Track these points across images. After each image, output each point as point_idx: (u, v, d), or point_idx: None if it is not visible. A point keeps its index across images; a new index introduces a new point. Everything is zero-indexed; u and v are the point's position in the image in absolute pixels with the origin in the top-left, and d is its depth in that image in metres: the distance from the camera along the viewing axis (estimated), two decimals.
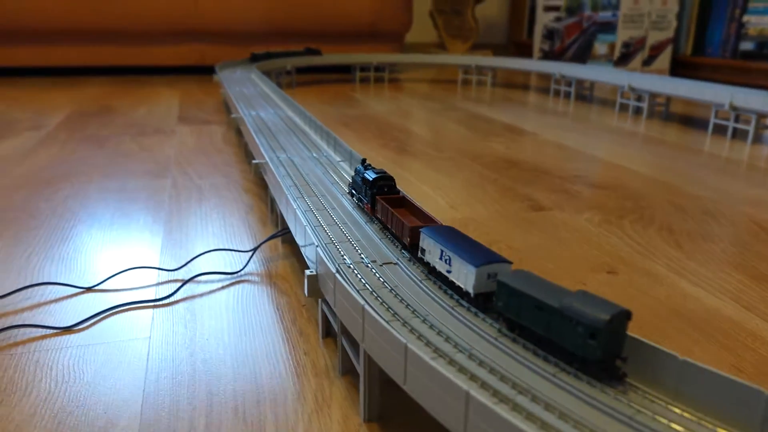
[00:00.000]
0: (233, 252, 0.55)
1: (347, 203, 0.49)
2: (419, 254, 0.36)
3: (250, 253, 0.54)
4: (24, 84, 1.68)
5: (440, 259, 0.35)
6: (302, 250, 0.43)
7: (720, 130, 1.16)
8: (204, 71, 2.02)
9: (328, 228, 0.42)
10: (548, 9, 2.36)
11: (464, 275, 0.32)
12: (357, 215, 0.47)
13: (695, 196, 0.75)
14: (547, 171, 0.86)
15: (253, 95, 1.05)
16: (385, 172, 0.46)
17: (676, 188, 0.79)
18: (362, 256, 0.37)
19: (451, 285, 0.33)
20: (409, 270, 0.36)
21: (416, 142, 1.02)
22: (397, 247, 0.40)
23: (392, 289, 0.33)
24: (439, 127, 1.15)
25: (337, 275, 0.32)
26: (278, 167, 0.58)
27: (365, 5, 1.93)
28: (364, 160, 0.50)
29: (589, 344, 0.27)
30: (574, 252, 0.57)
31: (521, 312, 0.30)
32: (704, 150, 1.02)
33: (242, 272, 0.51)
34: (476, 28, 2.76)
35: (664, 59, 2.12)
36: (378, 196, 0.44)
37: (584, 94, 1.62)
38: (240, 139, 1.00)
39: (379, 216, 0.44)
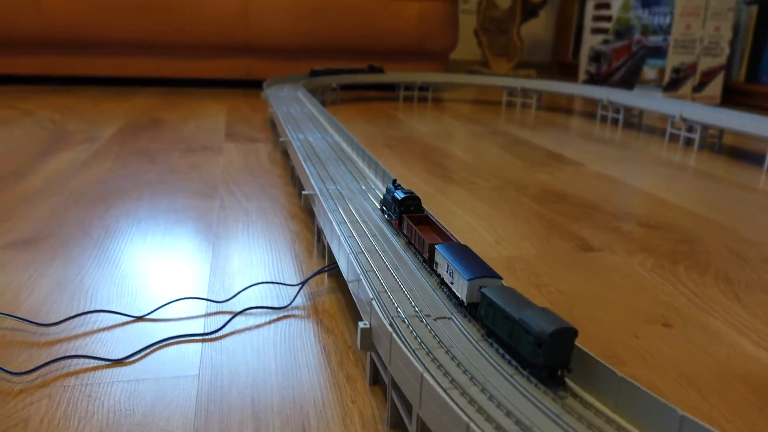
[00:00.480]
0: (280, 285, 0.55)
1: (397, 244, 0.49)
2: (433, 267, 0.42)
3: (298, 288, 0.54)
4: (79, 92, 1.73)
5: (447, 272, 0.40)
6: (354, 298, 0.43)
7: None
8: (250, 85, 2.05)
9: (380, 274, 0.42)
10: (596, 31, 2.33)
11: (461, 286, 0.38)
12: (407, 257, 0.46)
13: (754, 241, 0.73)
14: (596, 206, 0.84)
15: (300, 117, 1.05)
16: (412, 193, 0.50)
17: (733, 231, 0.76)
18: (416, 308, 0.37)
19: (454, 294, 0.39)
20: (463, 327, 0.35)
21: (461, 169, 1.01)
22: (443, 291, 0.39)
23: (448, 350, 0.33)
24: (483, 153, 1.14)
25: (393, 334, 0.31)
26: (328, 200, 0.58)
27: (412, 24, 1.93)
28: (395, 181, 0.55)
29: (536, 352, 0.31)
30: (627, 300, 0.56)
31: (495, 321, 0.34)
32: (759, 188, 0.98)
33: (289, 307, 0.51)
34: (521, 47, 2.74)
35: (716, 86, 2.07)
36: (404, 214, 0.49)
37: (632, 121, 1.59)
38: (286, 160, 1.00)
39: (404, 232, 0.49)
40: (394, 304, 0.37)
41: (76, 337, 0.45)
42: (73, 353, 0.43)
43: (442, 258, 0.40)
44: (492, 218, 0.77)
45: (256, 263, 0.59)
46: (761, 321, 0.53)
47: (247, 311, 0.50)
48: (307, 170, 0.64)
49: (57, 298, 0.51)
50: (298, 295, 0.53)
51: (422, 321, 0.35)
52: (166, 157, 1.01)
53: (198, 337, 0.46)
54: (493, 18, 2.77)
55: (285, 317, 0.50)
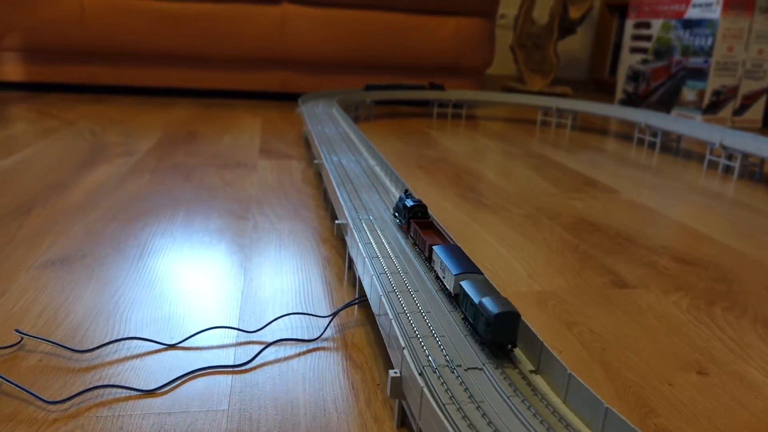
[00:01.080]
0: (311, 316, 0.55)
1: (428, 280, 0.49)
2: (430, 264, 0.51)
3: (328, 320, 0.54)
4: (119, 102, 1.78)
5: (440, 268, 0.48)
6: (384, 338, 0.43)
7: None
8: (285, 98, 2.07)
9: (412, 316, 0.42)
10: (635, 50, 2.30)
11: (449, 280, 0.45)
12: (438, 297, 0.46)
13: None
14: (630, 238, 0.82)
15: (334, 136, 1.06)
16: (420, 201, 0.59)
17: None
18: (447, 357, 0.37)
19: (444, 287, 0.47)
20: (494, 379, 0.35)
21: (493, 194, 1.00)
22: (468, 329, 0.40)
23: (479, 405, 0.32)
24: (515, 176, 1.13)
25: (424, 388, 0.31)
26: (360, 231, 0.58)
27: (449, 42, 1.93)
28: (407, 190, 0.63)
29: (486, 330, 0.39)
30: (661, 344, 0.54)
31: (467, 307, 0.42)
32: None
33: (319, 339, 0.51)
34: (557, 64, 2.72)
35: (757, 110, 2.02)
36: (412, 219, 0.57)
37: (670, 145, 1.56)
38: (318, 180, 1.01)
39: (411, 235, 0.57)
40: (425, 352, 0.37)
41: (110, 364, 0.46)
42: (106, 382, 0.44)
43: (437, 257, 0.48)
44: (524, 249, 0.76)
45: (286, 290, 0.60)
46: None
47: (278, 343, 0.50)
48: (340, 198, 0.65)
49: (92, 322, 0.52)
50: (328, 327, 0.53)
51: (453, 371, 0.35)
52: (201, 173, 1.02)
53: (228, 369, 0.46)
54: (530, 34, 2.75)
55: (315, 350, 0.50)
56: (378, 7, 1.90)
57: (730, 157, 1.29)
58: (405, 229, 0.59)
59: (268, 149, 1.24)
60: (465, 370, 0.35)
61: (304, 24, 1.86)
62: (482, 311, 0.39)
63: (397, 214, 0.62)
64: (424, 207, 0.58)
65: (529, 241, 0.79)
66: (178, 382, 0.44)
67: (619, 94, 2.39)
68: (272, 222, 0.80)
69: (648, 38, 2.21)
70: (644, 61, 2.23)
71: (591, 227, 0.86)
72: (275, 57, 1.88)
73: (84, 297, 0.56)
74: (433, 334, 0.39)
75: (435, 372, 0.35)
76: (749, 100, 2.00)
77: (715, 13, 1.91)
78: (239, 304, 0.57)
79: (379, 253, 0.52)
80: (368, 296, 0.48)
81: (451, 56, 1.96)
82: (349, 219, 0.58)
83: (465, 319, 0.43)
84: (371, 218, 0.62)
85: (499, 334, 0.38)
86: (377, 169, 0.85)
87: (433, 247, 0.49)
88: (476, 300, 0.40)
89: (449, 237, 0.53)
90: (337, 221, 0.61)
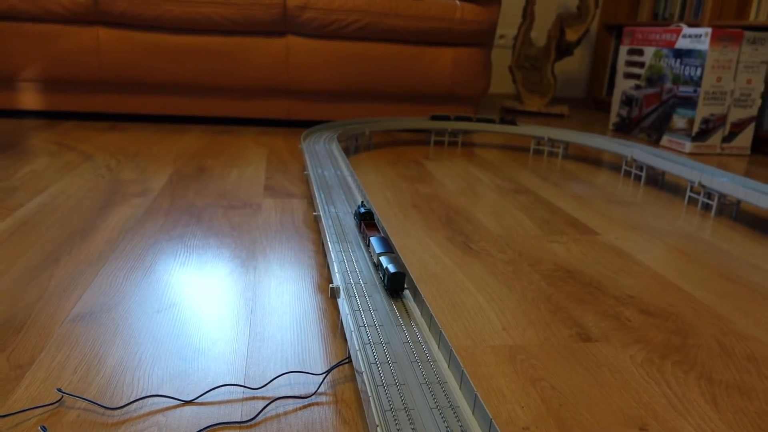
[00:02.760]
0: (307, 374, 0.64)
1: (407, 354, 0.57)
2: (368, 249, 0.78)
3: (322, 377, 0.62)
4: (132, 130, 1.87)
5: (372, 250, 0.75)
6: (365, 409, 0.51)
7: None
8: (289, 124, 2.16)
9: (389, 390, 0.50)
10: (628, 76, 2.38)
11: (374, 256, 0.74)
12: (417, 370, 0.54)
13: (745, 334, 0.79)
14: (601, 286, 0.90)
15: (332, 181, 1.14)
16: (368, 209, 0.87)
17: (729, 322, 0.82)
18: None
19: (374, 263, 0.74)
20: None
21: (480, 236, 1.08)
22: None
23: None
24: (504, 216, 1.21)
25: None
26: (351, 297, 0.66)
27: (446, 72, 2.02)
28: (362, 202, 0.92)
29: (386, 282, 0.67)
30: (612, 400, 0.63)
31: (381, 270, 0.69)
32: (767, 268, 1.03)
33: (314, 394, 0.60)
34: (554, 84, 2.80)
35: (746, 137, 2.09)
36: (363, 221, 0.86)
37: (656, 178, 1.64)
38: (318, 224, 1.09)
39: (361, 231, 0.85)
40: (397, 426, 0.45)
41: (138, 418, 0.55)
42: None
43: (371, 243, 0.76)
44: (503, 299, 0.84)
45: (286, 344, 0.68)
46: (731, 428, 0.59)
47: (278, 399, 0.59)
48: (335, 261, 0.73)
49: (120, 378, 0.61)
50: (322, 384, 0.62)
51: None
52: (210, 215, 1.11)
53: (236, 425, 0.55)
54: (528, 55, 2.83)
55: (310, 405, 0.58)
56: (378, 40, 1.98)
57: (709, 195, 1.37)
58: (358, 226, 0.88)
59: (272, 186, 1.33)
60: None
61: (307, 55, 1.95)
62: (386, 272, 0.67)
63: (355, 218, 0.91)
64: (371, 213, 0.87)
65: (508, 290, 0.87)
66: None
67: (613, 118, 2.46)
68: (274, 270, 0.88)
69: (641, 65, 2.29)
70: (637, 87, 2.31)
71: (566, 274, 0.94)
72: (280, 86, 1.97)
73: (111, 353, 0.65)
74: (406, 408, 0.48)
75: None
76: (738, 128, 2.08)
77: (704, 44, 1.99)
78: (245, 361, 0.65)
79: (364, 321, 0.61)
80: (353, 359, 0.57)
81: (448, 85, 2.04)
82: (340, 287, 0.66)
83: (381, 278, 0.70)
84: (362, 281, 0.70)
85: (393, 285, 0.67)
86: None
87: (370, 237, 0.77)
88: (384, 266, 0.68)
89: (383, 231, 0.84)
90: (331, 285, 0.70)
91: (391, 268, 0.67)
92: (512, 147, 1.99)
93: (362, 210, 0.87)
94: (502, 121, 1.85)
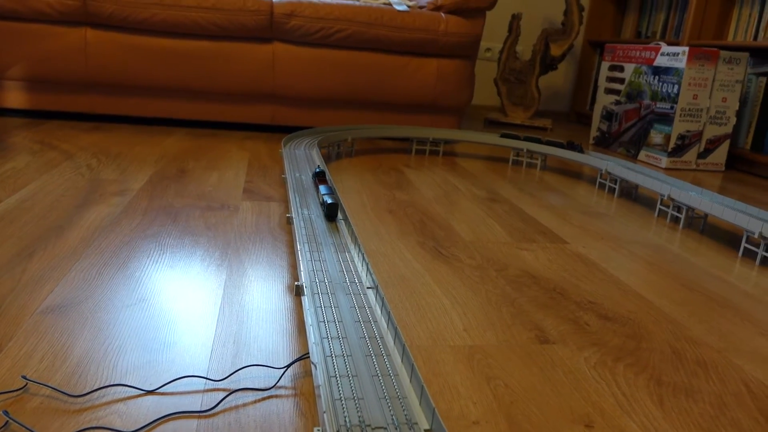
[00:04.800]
0: (268, 368, 0.66)
1: (365, 359, 0.59)
2: (318, 193, 1.06)
3: (282, 371, 0.64)
4: (116, 131, 1.88)
5: (320, 194, 1.03)
6: (316, 397, 0.53)
7: (751, 254, 1.20)
8: (273, 129, 2.18)
9: (341, 380, 0.52)
10: (609, 91, 2.42)
11: (320, 198, 1.02)
12: (377, 384, 0.56)
13: (697, 340, 0.81)
14: (564, 292, 0.93)
15: (309, 186, 1.17)
16: (322, 170, 1.16)
17: (683, 328, 0.85)
18: (360, 416, 0.47)
19: (321, 202, 1.01)
20: None
21: (451, 243, 1.11)
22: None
23: None
24: (477, 224, 1.24)
25: None
26: (314, 295, 0.69)
27: (429, 82, 2.05)
28: (318, 166, 1.28)
29: (324, 211, 0.96)
30: (562, 399, 0.65)
31: (323, 203, 0.98)
32: (729, 279, 1.06)
33: (274, 387, 0.62)
34: (538, 98, 2.85)
35: (721, 153, 2.14)
36: (317, 177, 1.15)
37: (630, 191, 1.67)
38: (292, 227, 1.12)
39: (314, 183, 1.16)
40: (345, 414, 0.48)
41: (99, 406, 0.57)
42: (95, 424, 0.54)
43: (320, 189, 1.05)
44: (467, 302, 0.87)
45: (252, 340, 0.70)
46: (673, 426, 0.62)
47: (238, 392, 0.61)
48: (302, 260, 0.75)
49: (85, 368, 0.62)
50: (283, 377, 0.64)
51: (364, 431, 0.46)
52: (187, 215, 1.13)
53: (195, 414, 0.57)
54: (513, 69, 2.88)
55: (269, 398, 0.60)
56: (363, 48, 2.02)
57: (678, 208, 1.41)
58: (314, 183, 1.17)
59: (252, 189, 1.35)
60: (373, 429, 0.46)
61: (293, 62, 1.97)
62: (324, 203, 0.96)
63: (312, 177, 1.20)
64: (323, 173, 1.16)
65: (473, 294, 0.90)
66: (153, 424, 0.55)
67: (594, 132, 2.51)
68: (246, 269, 0.90)
69: (621, 81, 2.34)
70: (617, 102, 2.36)
71: (532, 280, 0.97)
72: (265, 92, 1.99)
73: (78, 344, 0.67)
74: (354, 398, 0.50)
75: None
76: (713, 144, 2.13)
77: (681, 62, 2.04)
78: (210, 354, 0.67)
79: (325, 317, 0.63)
80: (310, 355, 0.59)
81: (431, 95, 2.08)
82: (304, 285, 0.68)
83: (323, 210, 0.99)
84: (327, 281, 0.73)
85: (329, 212, 0.96)
86: (342, 224, 0.96)
87: (319, 186, 1.08)
88: (324, 200, 0.98)
89: (330, 183, 1.15)
90: (296, 283, 0.72)
91: (328, 200, 0.97)
92: (493, 157, 2.02)
93: (317, 170, 1.18)
94: (569, 146, 1.75)
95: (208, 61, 1.93)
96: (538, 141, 1.84)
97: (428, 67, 2.06)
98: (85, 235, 0.99)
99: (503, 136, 1.86)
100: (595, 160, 1.70)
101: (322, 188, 1.05)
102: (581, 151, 1.76)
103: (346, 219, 0.96)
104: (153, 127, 2.04)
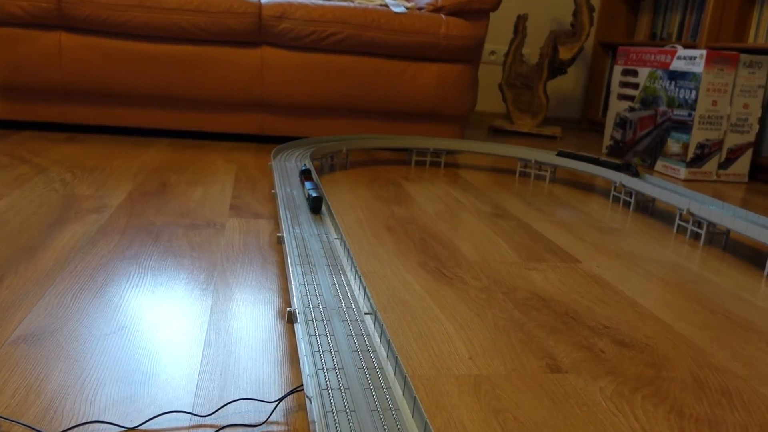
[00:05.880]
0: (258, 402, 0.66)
1: (362, 385, 0.60)
2: (304, 189, 1.23)
3: (274, 405, 0.64)
4: (92, 143, 1.89)
5: (305, 189, 1.20)
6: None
7: None
8: (262, 140, 2.19)
9: (338, 416, 0.52)
10: (622, 97, 2.44)
11: (305, 192, 1.19)
12: (377, 418, 0.57)
13: (721, 368, 0.82)
14: (577, 316, 0.94)
15: (301, 202, 1.17)
16: (308, 168, 1.31)
17: (706, 354, 0.85)
18: None
19: (307, 196, 1.15)
20: None
21: (455, 263, 1.11)
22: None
23: None
24: (482, 242, 1.25)
25: None
26: (308, 322, 0.69)
27: (430, 89, 2.07)
28: (305, 165, 1.43)
29: (309, 204, 1.12)
30: None
31: (309, 198, 1.13)
32: (754, 301, 1.07)
33: (265, 423, 0.62)
34: (546, 104, 2.87)
35: (743, 163, 2.16)
36: (303, 175, 1.28)
37: (646, 204, 1.68)
38: (283, 247, 1.12)
39: (301, 180, 1.29)
40: None
41: None
42: None
43: (305, 185, 1.21)
44: (472, 327, 0.87)
45: (240, 371, 0.70)
46: None
47: (226, 428, 0.61)
48: (294, 284, 0.76)
49: (60, 404, 0.62)
50: (274, 411, 0.64)
51: None
52: (169, 234, 1.13)
53: None
54: (519, 73, 2.90)
55: None
56: (359, 53, 2.03)
57: (698, 224, 1.41)
58: (300, 180, 1.30)
59: (239, 206, 1.36)
60: None
61: (283, 68, 1.99)
62: (309, 197, 1.12)
63: (299, 175, 1.32)
64: (309, 170, 1.29)
65: (478, 318, 0.90)
66: None
67: (607, 141, 2.52)
68: (233, 293, 0.90)
69: (635, 86, 2.36)
70: (631, 109, 2.37)
71: (542, 303, 0.97)
72: (253, 100, 2.01)
73: (54, 377, 0.67)
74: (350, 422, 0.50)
75: None
76: (734, 153, 2.14)
77: (698, 66, 2.06)
78: (195, 387, 0.67)
79: (320, 347, 0.63)
80: (304, 388, 0.59)
81: (432, 102, 2.09)
82: (297, 312, 0.69)
83: (308, 204, 1.13)
84: (321, 306, 0.73)
85: (314, 204, 1.10)
86: (337, 244, 0.96)
87: (305, 182, 1.23)
88: (309, 195, 1.12)
89: (316, 180, 1.28)
90: (288, 309, 0.72)
91: (313, 194, 1.11)
92: (498, 169, 2.03)
93: (304, 168, 1.32)
94: (625, 167, 1.64)
95: (192, 67, 1.95)
96: (594, 161, 1.73)
97: (428, 72, 2.08)
98: (60, 256, 0.99)
99: (560, 155, 1.81)
100: (607, 171, 1.71)
101: (308, 184, 1.20)
102: (636, 174, 1.64)
103: (333, 220, 0.97)
104: (132, 138, 2.05)
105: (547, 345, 0.84)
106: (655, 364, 0.81)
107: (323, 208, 1.13)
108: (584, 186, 1.90)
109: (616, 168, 1.68)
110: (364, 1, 2.24)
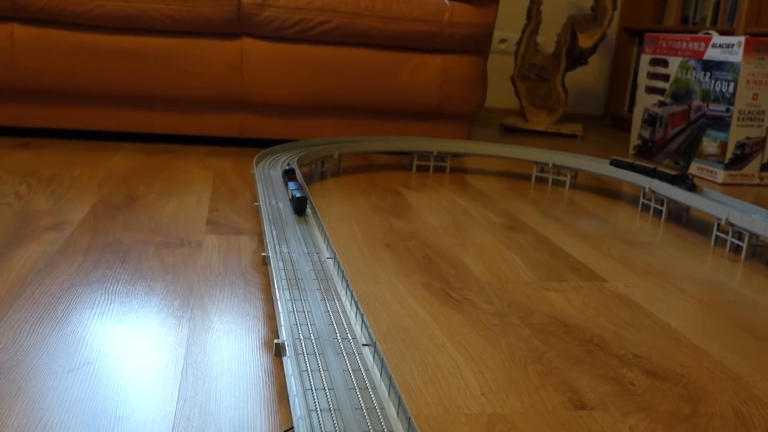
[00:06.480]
0: None
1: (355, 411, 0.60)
2: (287, 189, 1.30)
3: None
4: (50, 148, 1.90)
5: (289, 190, 1.26)
6: None
7: None
8: (242, 144, 2.20)
9: None
10: (651, 90, 2.46)
11: (289, 193, 1.25)
12: None
13: (766, 401, 0.82)
14: (603, 344, 0.94)
15: (287, 215, 1.18)
16: (292, 168, 1.39)
17: (749, 385, 0.86)
18: None
19: (291, 197, 1.22)
20: None
21: (464, 283, 1.12)
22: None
23: None
24: (494, 259, 1.25)
25: None
26: (299, 355, 0.69)
27: (432, 84, 2.08)
28: (288, 164, 1.56)
29: (293, 205, 1.19)
30: None
31: (292, 199, 1.20)
32: None
33: None
34: (565, 99, 2.88)
35: None
36: (286, 175, 1.36)
37: (680, 213, 1.69)
38: (269, 268, 1.13)
39: (284, 180, 1.38)
40: None
41: None
42: None
43: (289, 185, 1.27)
44: (484, 358, 0.87)
45: (222, 412, 0.71)
46: None
47: None
48: (282, 312, 0.76)
49: None
50: None
51: None
52: (138, 254, 1.14)
53: None
54: (533, 64, 2.92)
55: None
56: (352, 44, 2.05)
57: (739, 235, 1.42)
58: (284, 181, 1.38)
59: (217, 220, 1.36)
60: None
61: (266, 62, 2.00)
62: (293, 197, 1.19)
63: (282, 175, 1.41)
64: (293, 170, 1.38)
65: (491, 347, 0.91)
66: None
67: (634, 140, 2.54)
68: (212, 323, 0.91)
69: (665, 78, 2.37)
70: (661, 104, 2.39)
71: (563, 329, 0.98)
72: (232, 98, 2.02)
73: (10, 421, 0.67)
74: None
75: None
76: None
77: (736, 55, 2.07)
78: (171, 429, 0.67)
79: (312, 384, 0.64)
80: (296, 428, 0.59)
81: (435, 99, 2.11)
82: (285, 344, 0.69)
83: (292, 204, 1.21)
84: (312, 336, 0.73)
85: (298, 205, 1.18)
86: (329, 264, 0.97)
87: (289, 182, 1.30)
88: (293, 195, 1.19)
89: (301, 180, 1.36)
90: (276, 340, 0.73)
91: (297, 194, 1.19)
92: (511, 174, 2.04)
93: (288, 168, 1.41)
94: (680, 179, 1.60)
95: (163, 62, 1.96)
96: (652, 171, 1.66)
97: (430, 65, 2.09)
98: (15, 281, 1.00)
99: (614, 164, 1.77)
100: (638, 177, 1.71)
101: (292, 184, 1.27)
102: (693, 187, 1.58)
103: (323, 232, 0.96)
104: (96, 143, 2.05)
105: (569, 377, 0.84)
106: (692, 398, 0.82)
107: (308, 209, 1.22)
108: (609, 192, 1.91)
109: (672, 180, 1.62)
110: None
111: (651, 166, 1.73)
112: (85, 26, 1.93)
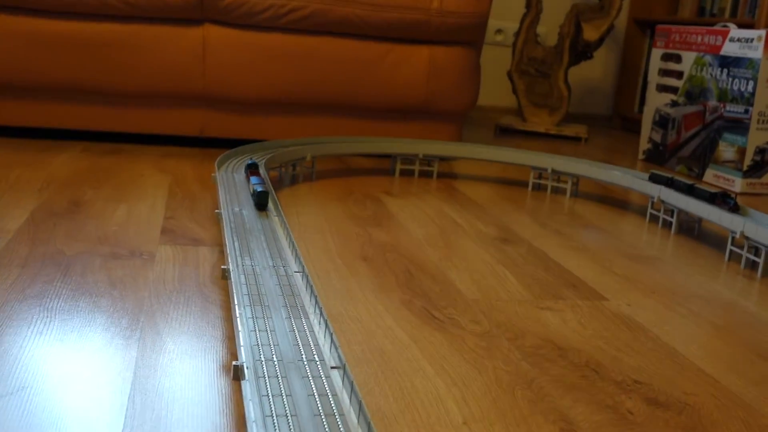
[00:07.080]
0: None
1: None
2: (249, 184, 1.38)
3: None
4: None
5: (251, 185, 1.34)
6: None
7: None
8: (203, 143, 2.21)
9: None
10: (663, 89, 2.50)
11: (251, 188, 1.33)
12: None
13: None
14: (600, 368, 0.96)
15: (252, 224, 1.19)
16: (255, 162, 1.50)
17: (760, 415, 0.88)
18: None
19: (252, 191, 1.31)
20: None
21: (449, 302, 1.14)
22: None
23: None
24: (484, 274, 1.27)
25: None
26: (259, 379, 0.71)
27: (419, 79, 2.11)
28: (251, 158, 1.66)
29: (254, 199, 1.29)
30: None
31: (254, 193, 1.29)
32: None
33: None
34: (567, 97, 2.92)
35: None
36: (249, 170, 1.47)
37: (691, 225, 1.72)
38: (229, 283, 1.14)
39: (246, 176, 1.48)
40: None
41: None
42: None
43: (251, 180, 1.36)
44: (468, 384, 0.89)
45: None
46: None
47: None
48: (242, 331, 0.78)
49: None
50: None
51: None
52: (83, 267, 1.15)
53: None
54: (533, 58, 2.96)
55: None
56: (327, 33, 2.07)
57: (755, 250, 1.45)
58: (246, 176, 1.47)
59: (173, 228, 1.37)
60: None
61: (231, 52, 2.02)
62: (253, 192, 1.29)
63: (245, 170, 1.50)
64: (256, 165, 1.48)
65: (476, 372, 0.92)
66: None
67: (644, 144, 2.58)
68: (165, 342, 0.92)
69: (678, 75, 2.42)
70: (674, 104, 2.43)
71: (557, 352, 1.00)
72: (193, 92, 2.03)
73: None
74: None
75: None
76: None
77: (756, 51, 2.12)
78: None
79: (273, 411, 0.65)
80: None
81: (422, 95, 2.13)
82: (245, 366, 0.71)
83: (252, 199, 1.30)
84: (275, 359, 0.75)
85: (259, 199, 1.27)
86: (297, 278, 0.98)
87: (251, 177, 1.38)
88: (254, 190, 1.28)
89: (264, 175, 1.49)
90: (234, 362, 0.74)
91: (258, 188, 1.27)
92: (506, 180, 2.07)
93: (250, 161, 1.50)
94: (720, 199, 1.56)
95: (115, 52, 1.97)
96: (694, 190, 1.61)
97: (417, 57, 2.11)
98: None
99: (653, 179, 1.72)
100: (646, 185, 1.74)
101: (254, 179, 1.35)
102: (736, 208, 1.54)
103: (290, 239, 0.97)
104: (37, 142, 2.06)
105: (561, 405, 0.86)
106: (696, 427, 0.84)
107: (270, 204, 1.30)
108: (614, 201, 1.93)
109: (711, 199, 1.58)
110: None
111: (689, 181, 1.67)
112: (27, 10, 1.94)
